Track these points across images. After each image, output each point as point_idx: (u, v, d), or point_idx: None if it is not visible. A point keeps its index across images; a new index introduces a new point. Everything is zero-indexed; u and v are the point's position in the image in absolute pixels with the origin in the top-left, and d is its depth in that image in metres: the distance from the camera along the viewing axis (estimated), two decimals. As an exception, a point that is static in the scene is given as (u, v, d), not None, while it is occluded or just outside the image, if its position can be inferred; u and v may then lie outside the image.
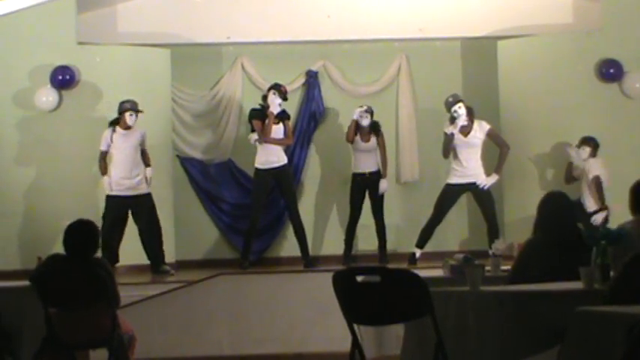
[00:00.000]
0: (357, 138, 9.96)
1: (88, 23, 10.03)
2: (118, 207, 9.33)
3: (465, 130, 9.55)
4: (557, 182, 9.88)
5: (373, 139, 9.99)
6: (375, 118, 10.60)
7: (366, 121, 9.93)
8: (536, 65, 10.19)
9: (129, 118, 9.34)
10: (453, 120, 9.55)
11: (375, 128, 9.99)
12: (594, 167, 9.49)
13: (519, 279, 5.55)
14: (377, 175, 9.99)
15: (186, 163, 10.77)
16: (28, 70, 9.94)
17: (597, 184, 9.43)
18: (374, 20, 10.41)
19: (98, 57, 10.02)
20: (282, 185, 9.75)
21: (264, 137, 9.57)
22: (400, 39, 10.61)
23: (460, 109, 9.51)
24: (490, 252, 7.45)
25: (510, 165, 9.84)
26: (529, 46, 10.29)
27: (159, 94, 10.26)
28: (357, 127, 9.94)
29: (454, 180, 9.61)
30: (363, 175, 9.99)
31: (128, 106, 9.36)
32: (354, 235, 10.13)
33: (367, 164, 9.98)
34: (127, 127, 9.36)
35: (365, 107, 9.99)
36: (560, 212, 5.80)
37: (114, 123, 9.39)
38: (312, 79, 10.80)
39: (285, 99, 9.70)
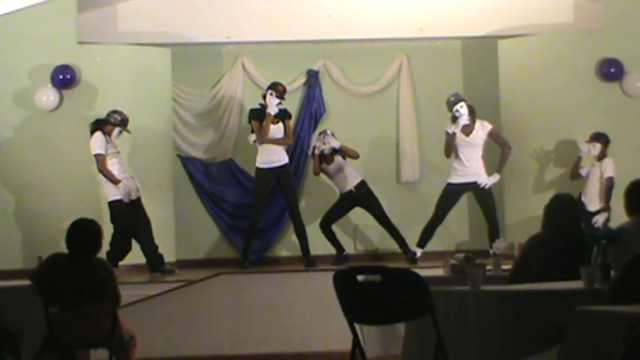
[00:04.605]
0: (324, 166, 9.97)
1: (89, 23, 10.03)
2: (135, 209, 9.24)
3: (467, 130, 9.55)
4: (557, 182, 9.88)
5: (337, 158, 9.94)
6: (376, 117, 10.61)
7: (327, 147, 9.91)
8: (537, 65, 10.18)
9: (115, 133, 9.19)
10: (454, 119, 9.54)
11: (335, 152, 9.95)
12: (610, 168, 9.45)
13: (520, 276, 5.56)
14: (364, 188, 9.96)
15: (187, 162, 10.76)
16: (29, 70, 9.92)
17: (610, 185, 9.39)
18: (375, 20, 10.40)
19: (98, 57, 10.00)
20: (283, 185, 9.73)
21: (263, 138, 9.56)
22: (401, 38, 10.59)
23: (462, 109, 9.50)
24: (491, 251, 7.47)
25: (510, 165, 9.82)
26: (530, 46, 10.28)
27: (159, 94, 10.25)
28: (321, 157, 9.95)
29: (455, 179, 9.60)
30: (350, 192, 9.96)
31: (118, 121, 9.19)
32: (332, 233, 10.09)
33: (349, 180, 9.95)
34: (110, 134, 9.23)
35: (323, 138, 9.95)
36: (567, 214, 5.81)
37: (99, 126, 9.17)
38: (312, 79, 10.78)
39: (282, 98, 9.64)
